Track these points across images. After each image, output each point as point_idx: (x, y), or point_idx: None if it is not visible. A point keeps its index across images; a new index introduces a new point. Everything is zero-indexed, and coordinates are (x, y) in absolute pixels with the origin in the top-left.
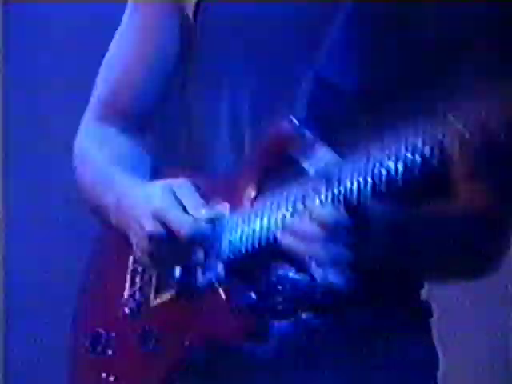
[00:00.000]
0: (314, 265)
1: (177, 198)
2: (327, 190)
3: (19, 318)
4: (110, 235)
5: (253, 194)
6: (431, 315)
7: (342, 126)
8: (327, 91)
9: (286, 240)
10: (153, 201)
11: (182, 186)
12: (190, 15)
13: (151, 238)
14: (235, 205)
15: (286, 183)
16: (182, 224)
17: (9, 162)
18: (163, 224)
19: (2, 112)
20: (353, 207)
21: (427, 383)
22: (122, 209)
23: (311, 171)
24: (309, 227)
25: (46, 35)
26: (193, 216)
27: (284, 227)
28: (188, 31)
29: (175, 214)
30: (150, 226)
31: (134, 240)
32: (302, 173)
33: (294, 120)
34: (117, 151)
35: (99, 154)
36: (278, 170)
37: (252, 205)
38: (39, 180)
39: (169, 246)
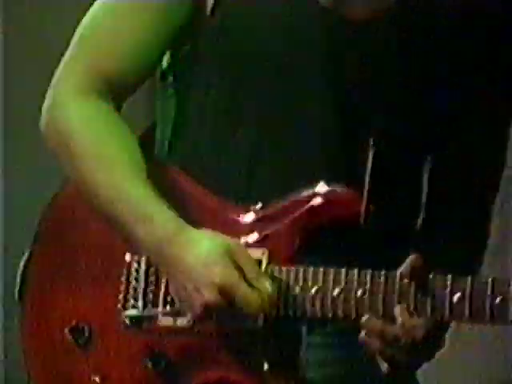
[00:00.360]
0: (381, 359)
1: (238, 268)
2: (416, 298)
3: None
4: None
5: (296, 245)
6: None
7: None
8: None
9: (369, 341)
10: (214, 272)
11: (240, 251)
12: (208, 8)
13: (208, 305)
14: (274, 255)
15: (351, 258)
16: (250, 303)
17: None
18: (228, 298)
19: (2, 111)
20: (440, 321)
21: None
22: (166, 258)
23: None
24: (398, 335)
25: (47, 34)
26: (258, 290)
27: (365, 324)
28: (201, 16)
29: (243, 291)
30: (212, 296)
31: (177, 291)
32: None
33: (365, 194)
34: (132, 155)
35: (119, 160)
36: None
37: (292, 260)
38: (40, 177)
39: (222, 314)
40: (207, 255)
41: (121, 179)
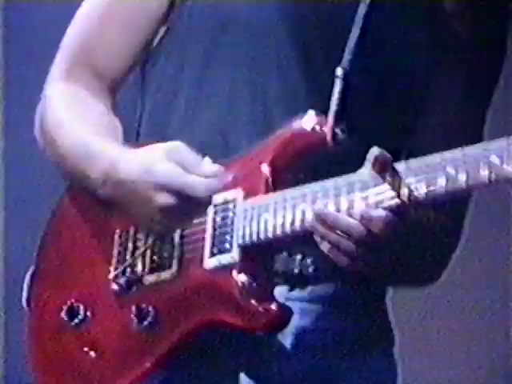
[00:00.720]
0: (323, 244)
1: (179, 163)
2: (376, 190)
3: (18, 317)
4: (85, 207)
5: (269, 181)
6: (385, 293)
7: (364, 125)
8: (351, 90)
9: (316, 227)
10: (155, 173)
11: (176, 148)
12: None
13: (163, 209)
14: (249, 191)
15: (313, 177)
16: (196, 187)
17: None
18: (175, 193)
19: (2, 111)
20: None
21: (384, 357)
22: (114, 183)
23: (363, 170)
24: (351, 225)
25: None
26: (201, 175)
27: (324, 218)
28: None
29: (186, 180)
30: (161, 198)
31: (137, 212)
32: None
33: (330, 118)
34: (94, 119)
35: (76, 123)
36: (299, 161)
37: (267, 192)
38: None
39: (180, 211)
40: (145, 160)
41: (77, 130)
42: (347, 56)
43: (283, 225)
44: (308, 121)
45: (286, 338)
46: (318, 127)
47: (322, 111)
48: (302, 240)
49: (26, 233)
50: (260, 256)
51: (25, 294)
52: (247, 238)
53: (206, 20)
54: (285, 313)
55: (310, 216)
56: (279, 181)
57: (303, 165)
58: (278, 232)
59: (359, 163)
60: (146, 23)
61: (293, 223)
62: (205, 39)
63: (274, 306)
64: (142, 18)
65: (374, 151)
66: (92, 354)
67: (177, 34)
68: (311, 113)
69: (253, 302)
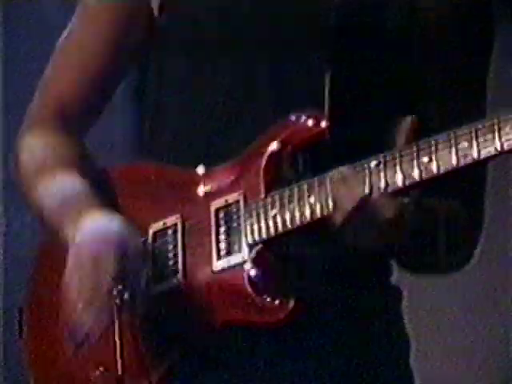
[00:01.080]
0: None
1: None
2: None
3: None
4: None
5: (269, 181)
6: (401, 300)
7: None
8: (344, 85)
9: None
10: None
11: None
12: (155, 10)
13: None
14: (250, 192)
15: (313, 171)
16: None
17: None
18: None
19: (2, 111)
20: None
21: (400, 364)
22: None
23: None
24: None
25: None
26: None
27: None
28: (152, 27)
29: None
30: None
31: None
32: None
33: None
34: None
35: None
36: (295, 158)
37: (268, 191)
38: None
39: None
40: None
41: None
42: (332, 49)
43: (293, 218)
44: (305, 117)
45: (297, 340)
46: (315, 123)
47: (317, 108)
48: (311, 232)
49: (26, 232)
50: (271, 252)
51: (17, 328)
52: (256, 236)
53: (182, 38)
54: (300, 305)
55: (317, 207)
56: (279, 179)
57: (302, 160)
58: (289, 225)
59: (357, 153)
60: (121, 60)
61: (302, 215)
62: (182, 57)
63: (288, 299)
64: (122, 58)
65: (409, 118)
66: (101, 369)
67: (153, 59)
68: (309, 110)
69: (267, 297)
